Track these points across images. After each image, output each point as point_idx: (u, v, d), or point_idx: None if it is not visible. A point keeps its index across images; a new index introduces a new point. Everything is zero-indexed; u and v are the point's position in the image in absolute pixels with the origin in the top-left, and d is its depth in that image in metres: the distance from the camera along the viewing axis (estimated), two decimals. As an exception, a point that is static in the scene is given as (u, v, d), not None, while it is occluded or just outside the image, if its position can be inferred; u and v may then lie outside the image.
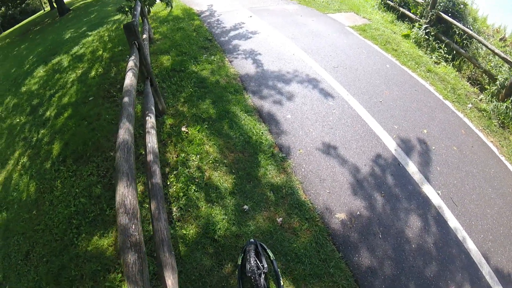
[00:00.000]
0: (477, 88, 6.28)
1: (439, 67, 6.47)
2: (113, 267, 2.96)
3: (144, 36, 5.14)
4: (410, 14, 8.11)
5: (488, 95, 5.96)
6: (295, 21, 7.66)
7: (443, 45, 6.93)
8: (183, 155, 3.83)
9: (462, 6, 7.36)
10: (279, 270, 2.66)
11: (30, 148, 4.67)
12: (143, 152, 3.73)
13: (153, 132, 3.12)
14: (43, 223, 3.54)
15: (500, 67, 6.17)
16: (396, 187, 3.66)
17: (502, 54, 5.78)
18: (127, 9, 5.31)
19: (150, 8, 6.24)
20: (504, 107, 5.50)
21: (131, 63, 2.97)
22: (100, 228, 3.28)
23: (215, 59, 5.70)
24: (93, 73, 5.72)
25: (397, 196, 3.57)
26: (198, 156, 3.81)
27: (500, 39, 7.52)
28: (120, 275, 2.90)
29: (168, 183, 3.57)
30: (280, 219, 3.18)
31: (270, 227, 3.09)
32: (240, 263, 2.66)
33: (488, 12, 8.63)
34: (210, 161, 3.74)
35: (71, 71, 6.06)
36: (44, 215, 3.61)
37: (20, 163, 4.51)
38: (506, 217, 3.70)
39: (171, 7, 6.63)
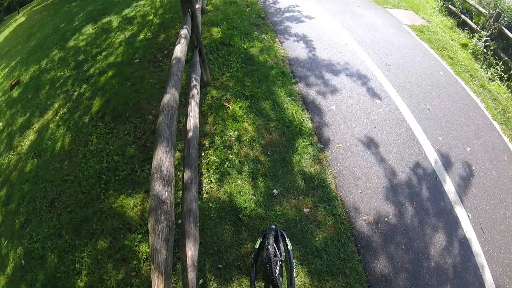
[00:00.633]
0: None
1: (493, 85, 5.89)
2: (134, 227, 2.92)
3: (197, 6, 5.02)
4: (472, 23, 7.44)
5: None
6: (352, 10, 7.28)
7: (501, 62, 6.27)
8: (221, 128, 3.72)
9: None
10: (294, 261, 2.61)
11: (71, 101, 4.70)
12: (182, 120, 3.63)
13: (196, 101, 3.02)
14: (73, 175, 3.54)
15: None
16: (429, 201, 3.45)
17: None
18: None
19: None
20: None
21: (184, 31, 2.91)
22: (129, 187, 3.22)
23: (265, 38, 5.50)
24: (141, 36, 5.67)
25: (428, 210, 3.37)
26: (236, 132, 3.68)
27: None
28: (140, 235, 2.85)
29: (203, 154, 3.45)
30: (307, 209, 3.08)
31: (296, 215, 3.01)
32: (257, 247, 2.63)
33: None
34: (247, 139, 3.62)
35: (120, 32, 6.05)
36: (75, 166, 3.62)
37: (59, 114, 4.56)
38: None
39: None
